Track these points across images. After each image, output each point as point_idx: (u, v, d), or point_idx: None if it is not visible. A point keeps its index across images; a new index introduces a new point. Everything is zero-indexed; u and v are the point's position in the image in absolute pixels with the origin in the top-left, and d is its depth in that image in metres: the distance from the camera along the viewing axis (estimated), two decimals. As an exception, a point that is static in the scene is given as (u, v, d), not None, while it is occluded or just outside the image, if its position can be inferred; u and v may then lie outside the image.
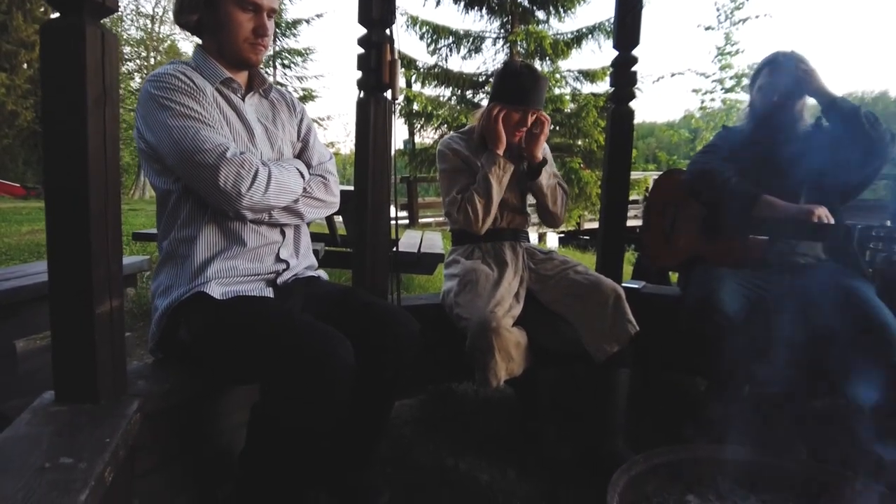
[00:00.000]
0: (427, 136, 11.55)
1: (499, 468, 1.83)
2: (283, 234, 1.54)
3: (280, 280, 1.52)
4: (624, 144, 2.42)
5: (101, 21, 1.16)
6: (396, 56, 1.94)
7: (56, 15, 1.13)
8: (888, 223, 1.74)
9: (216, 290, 1.37)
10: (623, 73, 2.37)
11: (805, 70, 1.89)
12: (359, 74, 1.94)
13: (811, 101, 1.99)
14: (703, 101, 8.24)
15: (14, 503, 0.84)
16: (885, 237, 1.62)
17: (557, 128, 10.42)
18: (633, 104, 2.40)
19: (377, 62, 1.90)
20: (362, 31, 1.91)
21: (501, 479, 1.77)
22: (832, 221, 1.76)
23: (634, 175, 11.31)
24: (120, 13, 21.10)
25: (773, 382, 1.66)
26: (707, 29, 8.38)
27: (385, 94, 1.95)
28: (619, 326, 1.84)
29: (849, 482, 1.30)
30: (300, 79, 17.03)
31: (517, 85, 1.97)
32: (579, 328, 1.87)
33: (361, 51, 1.92)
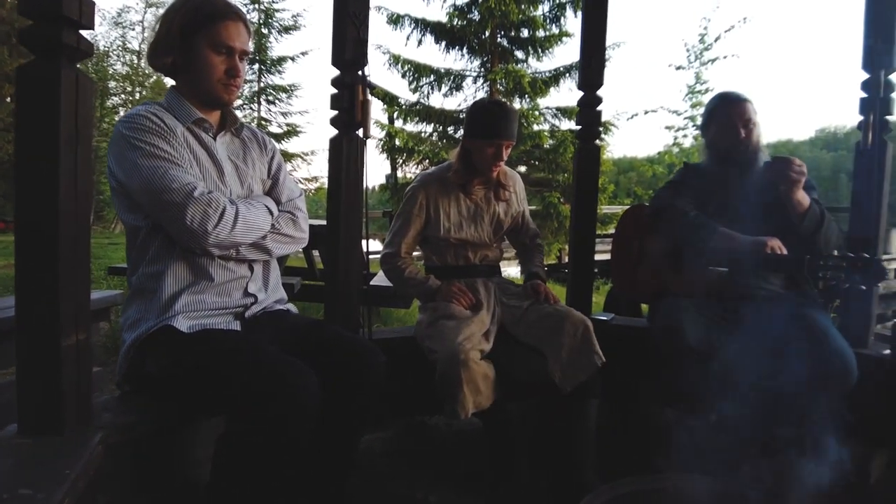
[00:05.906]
0: (409, 171, 11.65)
1: (470, 501, 1.84)
2: (251, 268, 1.57)
3: (248, 313, 1.55)
4: (591, 181, 2.51)
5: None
6: (368, 96, 2.01)
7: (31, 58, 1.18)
8: (835, 252, 1.81)
9: (183, 324, 1.40)
10: (588, 113, 2.47)
11: (798, 172, 1.85)
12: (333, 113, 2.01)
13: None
14: (675, 138, 8.48)
15: (-31, 535, 0.84)
16: (832, 266, 1.69)
17: (537, 163, 10.59)
18: (603, 141, 2.50)
19: (350, 102, 1.98)
20: (336, 72, 1.99)
21: (470, 512, 1.78)
22: (785, 252, 1.83)
23: (614, 209, 11.48)
24: (106, 48, 21.13)
25: (737, 411, 1.70)
26: (678, 69, 8.69)
27: (357, 132, 2.02)
28: (585, 357, 1.88)
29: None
30: (284, 114, 17.16)
31: (488, 119, 2.03)
32: (548, 358, 1.91)
33: (335, 91, 2.00)
